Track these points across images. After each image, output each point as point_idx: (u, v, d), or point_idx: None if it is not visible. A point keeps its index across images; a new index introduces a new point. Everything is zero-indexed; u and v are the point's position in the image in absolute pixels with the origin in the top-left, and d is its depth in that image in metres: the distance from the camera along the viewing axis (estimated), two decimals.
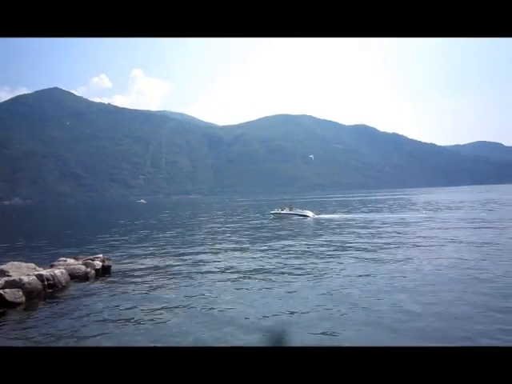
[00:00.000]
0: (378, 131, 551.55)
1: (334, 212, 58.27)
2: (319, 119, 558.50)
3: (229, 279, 16.12)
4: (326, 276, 16.06)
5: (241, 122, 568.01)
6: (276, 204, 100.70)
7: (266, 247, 24.99)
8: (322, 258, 20.34)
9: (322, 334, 9.79)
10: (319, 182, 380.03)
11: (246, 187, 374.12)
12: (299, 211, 49.54)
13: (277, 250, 23.68)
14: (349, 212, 57.39)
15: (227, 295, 13.64)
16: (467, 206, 60.04)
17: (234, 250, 24.61)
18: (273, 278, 16.14)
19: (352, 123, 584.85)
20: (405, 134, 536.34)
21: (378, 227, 34.35)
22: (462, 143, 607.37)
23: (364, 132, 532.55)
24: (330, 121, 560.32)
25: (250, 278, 16.37)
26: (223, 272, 17.66)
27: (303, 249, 23.75)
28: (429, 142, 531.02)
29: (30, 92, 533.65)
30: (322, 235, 30.37)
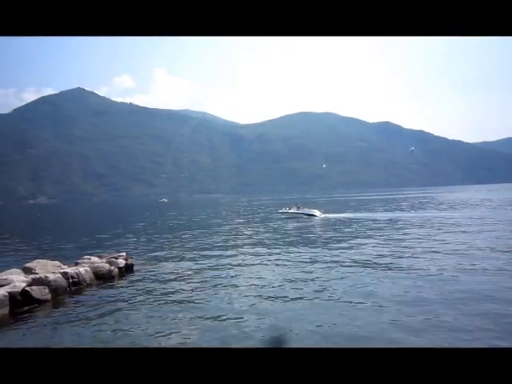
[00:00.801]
0: (403, 128, 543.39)
1: (356, 211, 57.77)
2: (342, 116, 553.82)
3: (249, 278, 16.14)
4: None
5: (262, 121, 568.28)
6: (299, 203, 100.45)
7: (292, 249, 24.94)
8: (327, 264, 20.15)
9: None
10: (342, 181, 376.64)
11: (268, 186, 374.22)
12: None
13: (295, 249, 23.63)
14: (368, 211, 56.72)
15: (245, 295, 13.65)
16: (496, 205, 58.50)
17: (255, 248, 24.62)
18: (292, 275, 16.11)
19: (376, 120, 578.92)
20: (431, 131, 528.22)
21: (392, 226, 33.87)
22: (490, 140, 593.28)
23: (388, 129, 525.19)
24: (353, 118, 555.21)
25: (274, 282, 16.35)
26: (242, 270, 17.68)
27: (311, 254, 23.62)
28: (456, 139, 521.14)
29: (54, 92, 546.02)
30: (331, 238, 30.11)
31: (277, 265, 18.90)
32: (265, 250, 23.76)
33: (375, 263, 18.16)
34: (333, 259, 19.60)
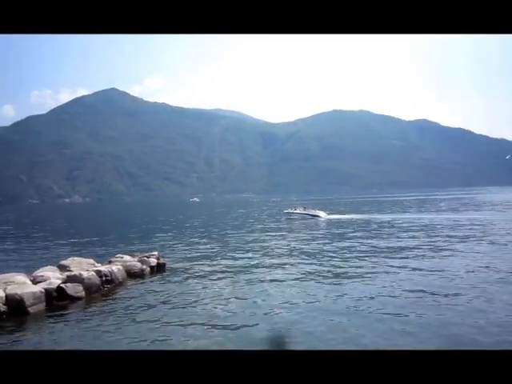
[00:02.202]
0: (441, 126, 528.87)
1: (392, 211, 56.74)
2: (377, 114, 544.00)
3: (279, 278, 16.16)
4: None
5: (295, 119, 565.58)
6: (332, 203, 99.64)
7: (323, 248, 24.80)
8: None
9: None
10: (377, 181, 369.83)
11: (300, 186, 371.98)
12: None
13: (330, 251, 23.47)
14: (402, 212, 55.57)
15: (275, 294, 13.67)
16: None
17: (286, 249, 24.63)
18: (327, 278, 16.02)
19: (412, 118, 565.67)
20: (471, 129, 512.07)
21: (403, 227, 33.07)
22: None
23: (425, 127, 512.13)
24: (388, 116, 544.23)
25: (303, 279, 16.31)
26: (272, 271, 17.70)
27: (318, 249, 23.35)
28: (499, 137, 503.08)
29: (88, 93, 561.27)
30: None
31: (306, 265, 18.83)
32: (294, 252, 23.71)
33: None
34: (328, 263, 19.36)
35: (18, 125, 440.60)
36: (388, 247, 23.94)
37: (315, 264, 19.33)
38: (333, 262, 19.53)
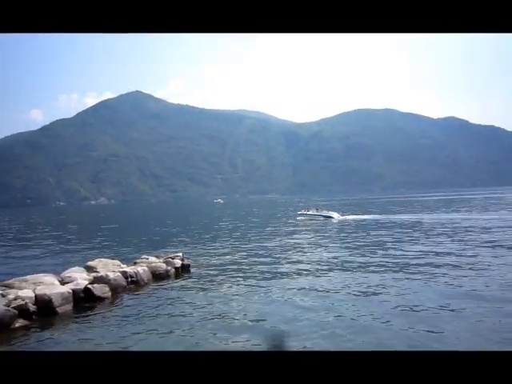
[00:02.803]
0: (471, 124, 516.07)
1: (413, 211, 55.78)
2: (403, 113, 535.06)
3: (305, 283, 16.09)
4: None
5: (318, 119, 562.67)
6: (357, 204, 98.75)
7: (349, 248, 24.60)
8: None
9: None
10: (404, 181, 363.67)
11: (325, 186, 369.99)
12: (325, 212, 51.51)
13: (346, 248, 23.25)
14: (428, 212, 54.52)
15: (299, 298, 13.62)
16: None
17: (314, 252, 24.51)
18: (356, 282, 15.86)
19: (441, 116, 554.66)
20: (503, 126, 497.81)
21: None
22: None
23: (454, 125, 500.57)
24: (415, 114, 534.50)
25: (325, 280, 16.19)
26: (300, 275, 17.64)
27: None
28: None
29: (113, 96, 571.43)
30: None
31: (334, 269, 18.69)
32: (321, 254, 23.57)
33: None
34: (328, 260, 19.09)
35: (45, 129, 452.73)
36: (403, 250, 23.50)
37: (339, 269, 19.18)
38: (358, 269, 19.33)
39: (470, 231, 30.76)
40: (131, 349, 9.51)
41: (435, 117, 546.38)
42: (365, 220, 46.44)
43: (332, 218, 49.20)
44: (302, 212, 53.81)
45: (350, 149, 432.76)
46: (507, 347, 8.74)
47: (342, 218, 49.41)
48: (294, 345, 9.37)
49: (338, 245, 26.77)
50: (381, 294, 13.68)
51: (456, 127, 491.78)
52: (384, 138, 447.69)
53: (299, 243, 28.40)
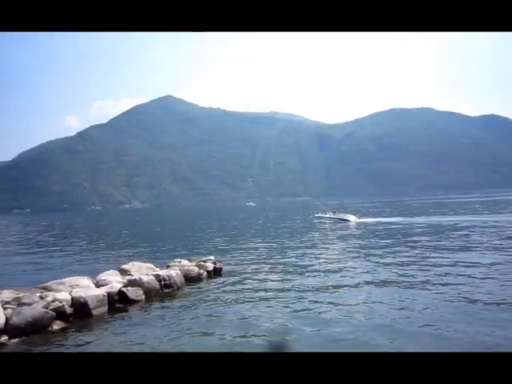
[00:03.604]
0: None
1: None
2: (440, 111, 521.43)
3: (342, 290, 15.95)
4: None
5: (351, 120, 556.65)
6: (390, 206, 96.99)
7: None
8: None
9: None
10: (441, 182, 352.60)
11: (358, 188, 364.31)
12: (341, 215, 52.09)
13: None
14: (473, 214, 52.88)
15: (336, 305, 13.50)
16: None
17: (348, 258, 24.26)
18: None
19: (479, 113, 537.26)
20: None
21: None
22: None
23: (494, 123, 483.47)
24: (452, 112, 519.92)
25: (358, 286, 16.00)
26: (335, 281, 17.49)
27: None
28: None
29: (145, 101, 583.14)
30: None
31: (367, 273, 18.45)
32: (350, 263, 23.31)
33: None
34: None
35: (80, 135, 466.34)
36: (416, 254, 22.91)
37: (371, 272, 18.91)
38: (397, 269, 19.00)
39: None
40: (165, 351, 9.66)
41: (473, 114, 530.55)
42: (383, 223, 46.08)
43: (349, 220, 49.63)
44: (319, 215, 55.40)
45: (384, 149, 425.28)
46: None
47: (358, 220, 49.76)
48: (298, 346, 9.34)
49: (357, 252, 26.39)
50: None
51: (496, 125, 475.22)
52: (419, 137, 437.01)
53: (330, 249, 28.18)
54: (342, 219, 50.51)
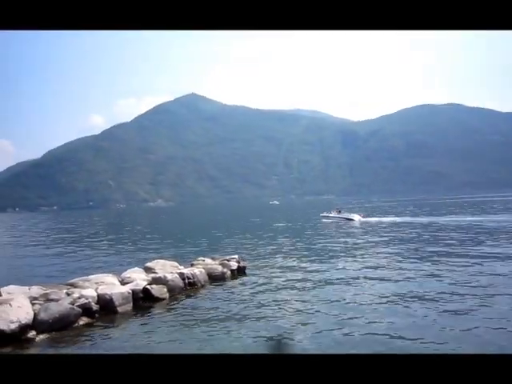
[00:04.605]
0: None
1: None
2: (469, 107, 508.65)
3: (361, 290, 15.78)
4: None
5: (377, 116, 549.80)
6: (420, 204, 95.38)
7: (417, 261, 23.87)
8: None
9: None
10: (470, 180, 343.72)
11: (384, 186, 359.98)
12: (346, 215, 53.90)
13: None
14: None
15: (359, 304, 13.35)
16: None
17: (377, 259, 24.00)
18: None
19: (508, 110, 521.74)
20: None
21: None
22: None
23: None
24: (482, 108, 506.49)
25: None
26: (362, 280, 17.31)
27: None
28: None
29: (169, 99, 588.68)
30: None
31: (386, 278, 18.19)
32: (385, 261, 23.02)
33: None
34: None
35: (106, 133, 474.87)
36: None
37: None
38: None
39: None
40: (191, 349, 9.73)
41: (506, 111, 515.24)
42: (386, 222, 47.24)
43: (353, 220, 51.18)
44: (325, 214, 57.44)
45: (412, 147, 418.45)
46: None
47: (363, 220, 51.06)
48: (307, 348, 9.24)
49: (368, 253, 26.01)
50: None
51: None
52: (448, 134, 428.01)
53: (354, 247, 27.92)
54: (346, 218, 52.22)
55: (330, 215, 55.90)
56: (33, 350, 10.19)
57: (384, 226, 43.19)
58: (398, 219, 50.57)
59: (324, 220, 55.10)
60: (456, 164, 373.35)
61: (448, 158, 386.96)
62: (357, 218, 51.76)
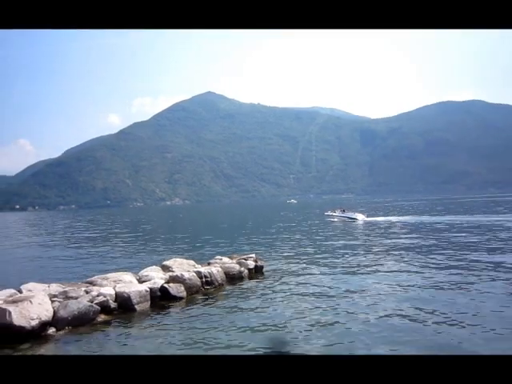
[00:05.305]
0: None
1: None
2: (491, 104, 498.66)
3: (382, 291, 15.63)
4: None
5: (396, 114, 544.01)
6: (441, 203, 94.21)
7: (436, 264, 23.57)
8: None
9: None
10: (493, 179, 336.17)
11: (404, 185, 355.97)
12: (349, 214, 54.35)
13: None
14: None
15: (375, 303, 13.23)
16: None
17: (395, 259, 23.77)
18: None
19: None
20: None
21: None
22: None
23: None
24: (506, 105, 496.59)
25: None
26: (384, 280, 17.16)
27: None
28: None
29: (186, 98, 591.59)
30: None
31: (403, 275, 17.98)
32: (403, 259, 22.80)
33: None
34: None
35: (123, 132, 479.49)
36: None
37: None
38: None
39: None
40: (208, 349, 9.77)
41: None
42: (390, 222, 47.50)
43: (357, 219, 51.78)
44: (329, 213, 58.25)
45: (432, 145, 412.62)
46: None
47: (367, 219, 51.76)
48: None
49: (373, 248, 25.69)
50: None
51: None
52: (470, 132, 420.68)
53: (369, 246, 27.68)
54: (350, 218, 52.84)
55: (334, 214, 56.54)
56: (52, 347, 10.38)
57: (386, 225, 42.77)
58: (409, 219, 50.86)
59: (328, 219, 55.68)
60: (478, 163, 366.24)
61: (470, 157, 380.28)
62: (360, 217, 52.51)
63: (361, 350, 9.26)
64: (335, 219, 54.50)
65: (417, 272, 17.85)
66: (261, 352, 9.42)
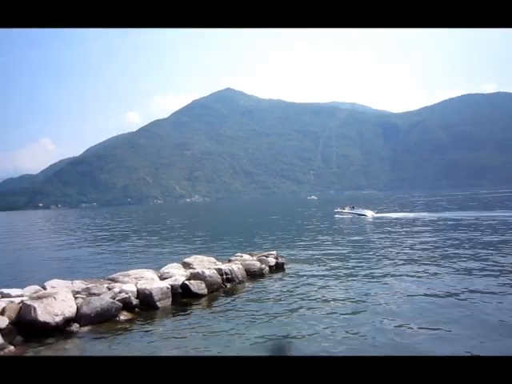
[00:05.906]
0: None
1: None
2: None
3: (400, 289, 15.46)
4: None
5: (419, 107, 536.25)
6: (469, 199, 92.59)
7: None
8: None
9: None
10: None
11: (427, 181, 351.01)
12: (360, 210, 55.17)
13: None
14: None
15: (396, 302, 13.09)
16: None
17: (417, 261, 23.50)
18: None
19: None
20: None
21: None
22: None
23: None
24: None
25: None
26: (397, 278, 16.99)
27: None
28: None
29: (205, 95, 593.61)
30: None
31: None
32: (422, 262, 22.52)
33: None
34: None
35: (142, 130, 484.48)
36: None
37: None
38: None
39: None
40: (232, 347, 9.80)
41: None
42: (400, 218, 47.29)
43: (366, 215, 52.19)
44: (338, 210, 58.85)
45: (457, 139, 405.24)
46: None
47: (376, 215, 52.22)
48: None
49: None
50: None
51: None
52: (496, 125, 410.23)
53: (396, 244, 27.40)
54: (359, 214, 53.40)
55: (344, 211, 57.10)
56: (76, 342, 10.57)
57: (396, 222, 42.11)
58: (420, 214, 50.98)
59: (337, 216, 55.88)
60: (505, 157, 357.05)
61: (496, 151, 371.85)
62: (370, 213, 52.83)
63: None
64: (344, 216, 54.93)
65: (449, 274, 17.61)
66: (274, 353, 9.39)
